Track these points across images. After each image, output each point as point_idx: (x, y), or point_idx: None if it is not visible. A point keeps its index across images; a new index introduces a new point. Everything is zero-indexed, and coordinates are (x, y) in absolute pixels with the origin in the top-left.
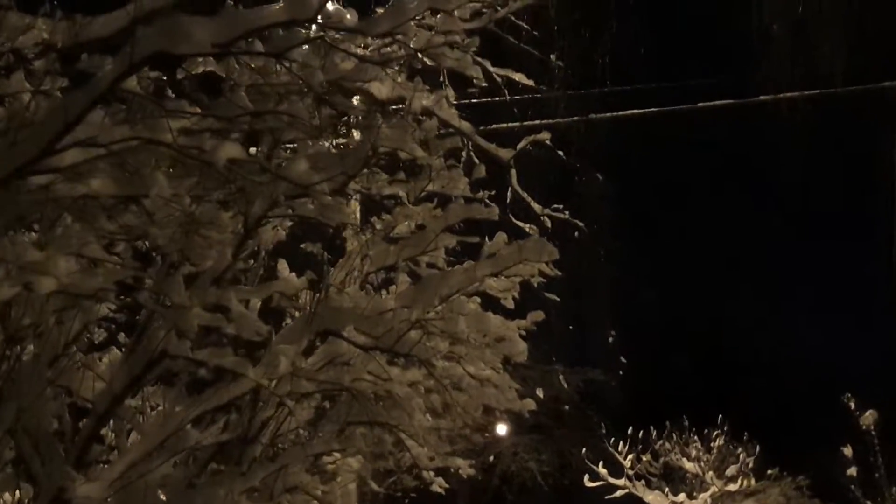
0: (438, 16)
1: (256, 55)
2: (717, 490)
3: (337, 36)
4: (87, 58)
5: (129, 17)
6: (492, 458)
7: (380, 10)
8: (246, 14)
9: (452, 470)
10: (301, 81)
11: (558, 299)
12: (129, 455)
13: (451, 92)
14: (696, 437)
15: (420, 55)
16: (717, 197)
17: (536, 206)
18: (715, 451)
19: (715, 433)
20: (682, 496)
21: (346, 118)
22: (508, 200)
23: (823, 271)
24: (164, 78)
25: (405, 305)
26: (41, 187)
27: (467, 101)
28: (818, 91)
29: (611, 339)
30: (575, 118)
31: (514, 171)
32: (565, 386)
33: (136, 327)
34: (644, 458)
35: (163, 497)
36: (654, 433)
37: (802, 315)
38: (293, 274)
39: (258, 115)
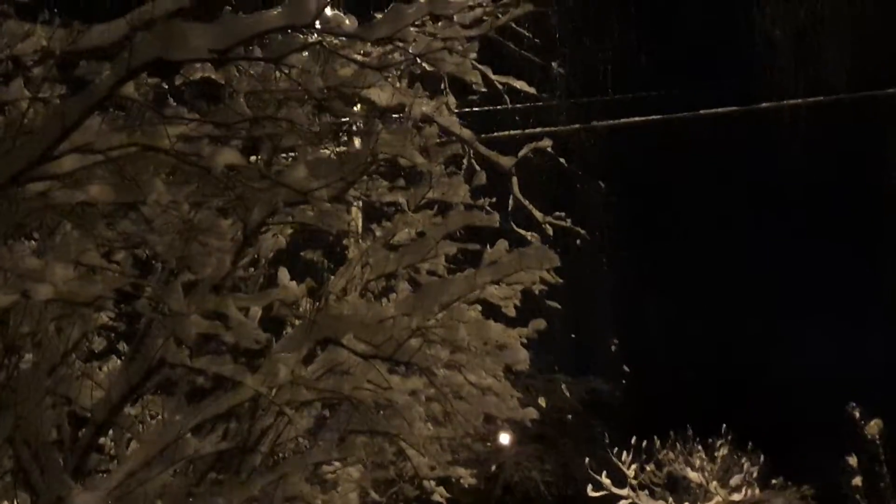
0: (440, 23)
1: (254, 61)
2: (721, 500)
3: (336, 41)
4: (86, 64)
5: (128, 26)
6: (494, 467)
7: (379, 16)
8: (244, 20)
9: (454, 479)
10: (300, 88)
11: (560, 307)
12: (128, 464)
13: (451, 99)
14: (699, 447)
15: (419, 60)
16: (720, 205)
17: (538, 214)
18: (719, 460)
19: (719, 442)
20: None
21: (345, 125)
22: (510, 208)
23: (828, 279)
24: (166, 86)
25: (405, 313)
26: (39, 194)
27: (469, 108)
28: (821, 98)
29: (613, 348)
30: (577, 126)
31: (515, 179)
32: (568, 395)
33: (136, 336)
34: (647, 468)
35: None
36: (658, 442)
37: (807, 324)
38: (293, 282)
39: (257, 122)
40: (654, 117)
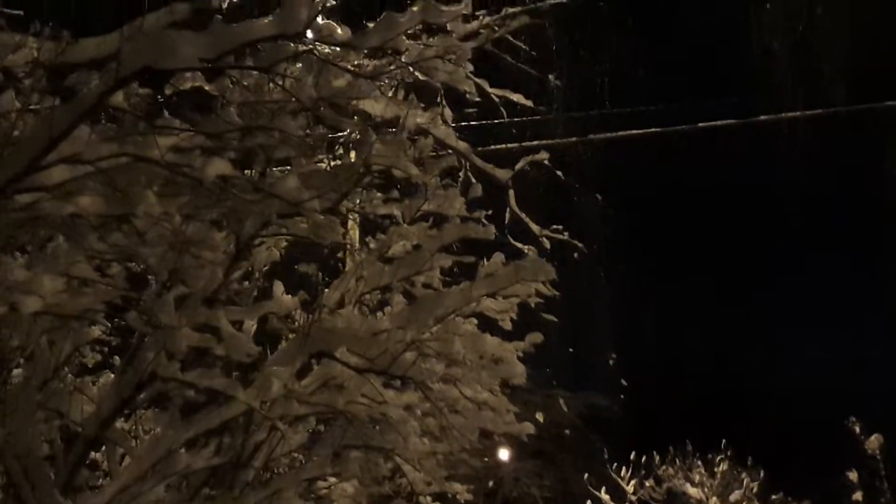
0: (436, 37)
1: (245, 69)
2: None
3: (328, 50)
4: (75, 74)
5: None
6: (492, 483)
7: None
8: (234, 29)
9: (450, 495)
10: (293, 98)
11: (557, 321)
12: (119, 480)
13: (448, 112)
14: (699, 462)
15: (412, 69)
16: (719, 218)
17: (535, 227)
18: (719, 475)
19: (719, 458)
20: None
21: (340, 137)
22: (506, 221)
23: (828, 293)
24: (160, 98)
25: (400, 326)
26: (27, 206)
27: (465, 122)
28: (820, 111)
29: (611, 362)
30: (574, 139)
31: (512, 192)
32: (566, 410)
33: (129, 350)
34: (647, 484)
35: None
36: (657, 458)
37: (806, 337)
38: (287, 295)
39: (249, 132)
40: (652, 130)
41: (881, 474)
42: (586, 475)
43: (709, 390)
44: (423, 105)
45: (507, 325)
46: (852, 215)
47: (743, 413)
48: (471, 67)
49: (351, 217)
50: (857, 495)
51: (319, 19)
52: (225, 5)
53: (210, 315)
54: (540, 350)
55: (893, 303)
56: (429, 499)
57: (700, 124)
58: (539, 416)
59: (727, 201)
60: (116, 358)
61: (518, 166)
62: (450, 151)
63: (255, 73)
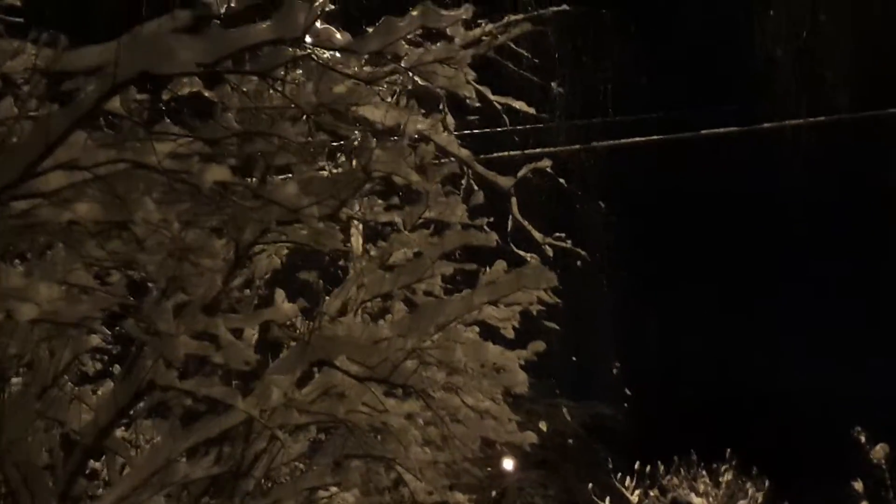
0: (438, 43)
1: (242, 74)
2: None
3: (327, 56)
4: (74, 80)
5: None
6: (494, 493)
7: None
8: (232, 34)
9: None
10: (293, 105)
11: (561, 329)
12: (118, 489)
13: (450, 119)
14: (704, 472)
15: (411, 73)
16: (722, 226)
17: (537, 235)
18: (724, 485)
19: (723, 467)
20: None
21: (341, 143)
22: (509, 229)
23: (832, 300)
24: (161, 105)
25: (401, 334)
26: (23, 212)
27: (468, 130)
28: (823, 118)
29: (615, 371)
30: (577, 146)
31: (514, 200)
32: (569, 419)
33: (128, 358)
34: (651, 493)
35: None
36: (662, 467)
37: (811, 346)
38: (286, 302)
39: (247, 138)
40: (654, 137)
41: (887, 484)
42: (590, 485)
43: (713, 399)
44: (423, 112)
45: (510, 334)
46: (856, 222)
47: (748, 422)
48: (473, 74)
49: (354, 224)
50: None
51: (318, 24)
52: (223, 10)
53: (209, 323)
54: (543, 359)
55: None
56: None
57: (703, 132)
58: (542, 426)
59: (730, 209)
60: (117, 366)
61: (520, 174)
62: (452, 159)
63: (254, 79)
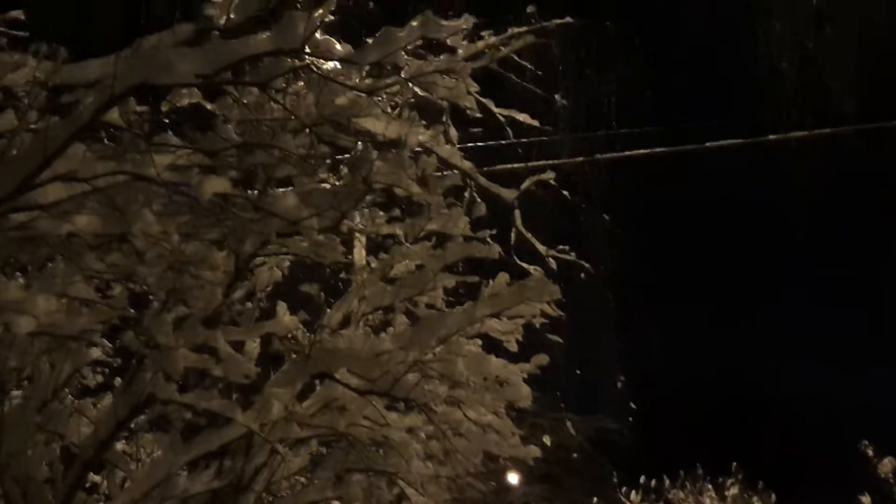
0: (442, 56)
1: (240, 84)
2: None
3: (328, 67)
4: (74, 93)
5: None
6: None
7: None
8: (231, 45)
9: None
10: (293, 116)
11: (565, 342)
12: (117, 503)
13: (453, 131)
14: (710, 486)
15: (411, 84)
16: (727, 238)
17: (541, 247)
18: (729, 499)
19: (729, 481)
20: None
21: (342, 155)
22: (513, 241)
23: (838, 312)
24: (163, 117)
25: (402, 347)
26: (23, 224)
27: (471, 142)
28: (829, 129)
29: (619, 385)
30: (580, 158)
31: (518, 212)
32: (573, 434)
33: (129, 371)
34: None
35: None
36: (667, 481)
37: (817, 358)
38: (287, 315)
39: (246, 149)
40: (659, 150)
41: (895, 498)
42: (595, 499)
43: (719, 412)
44: (425, 123)
45: (513, 347)
46: (862, 233)
47: (754, 436)
48: (476, 87)
49: (357, 237)
50: None
51: (318, 35)
52: (223, 22)
53: (208, 335)
54: (548, 372)
55: None
56: None
57: (707, 143)
58: (546, 440)
59: (735, 221)
60: (118, 379)
61: (524, 186)
62: (454, 171)
63: (254, 91)
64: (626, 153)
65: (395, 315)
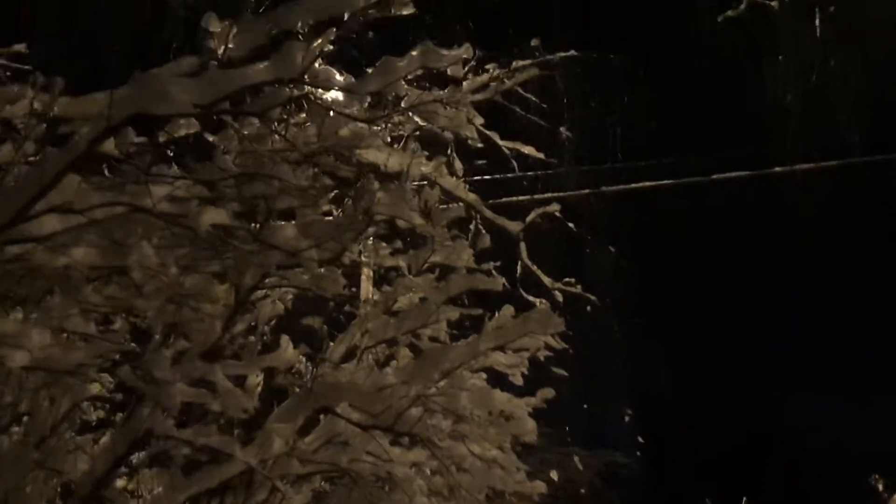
0: (447, 89)
1: (237, 114)
2: None
3: (327, 97)
4: (70, 124)
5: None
6: None
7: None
8: (229, 74)
9: None
10: (293, 147)
11: (567, 374)
12: None
13: (458, 164)
14: None
15: (411, 114)
16: (734, 270)
17: (547, 280)
18: None
19: None
20: None
21: (341, 187)
22: (518, 274)
23: (846, 346)
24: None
25: (404, 381)
26: (17, 257)
27: (478, 176)
28: (835, 161)
29: (627, 419)
30: (586, 191)
31: (523, 245)
32: (581, 468)
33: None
34: None
35: None
36: None
37: (827, 393)
38: (288, 349)
39: (245, 180)
40: (665, 182)
41: None
42: None
43: (728, 446)
44: (427, 154)
45: (518, 380)
46: (869, 266)
47: (763, 469)
48: (480, 119)
49: (364, 271)
50: None
51: (317, 64)
52: (220, 53)
53: (206, 369)
54: (555, 406)
55: None
56: None
57: (713, 176)
58: (553, 475)
59: (741, 253)
60: (120, 415)
61: (529, 218)
62: (459, 203)
63: (255, 122)
64: (632, 185)
65: (399, 348)
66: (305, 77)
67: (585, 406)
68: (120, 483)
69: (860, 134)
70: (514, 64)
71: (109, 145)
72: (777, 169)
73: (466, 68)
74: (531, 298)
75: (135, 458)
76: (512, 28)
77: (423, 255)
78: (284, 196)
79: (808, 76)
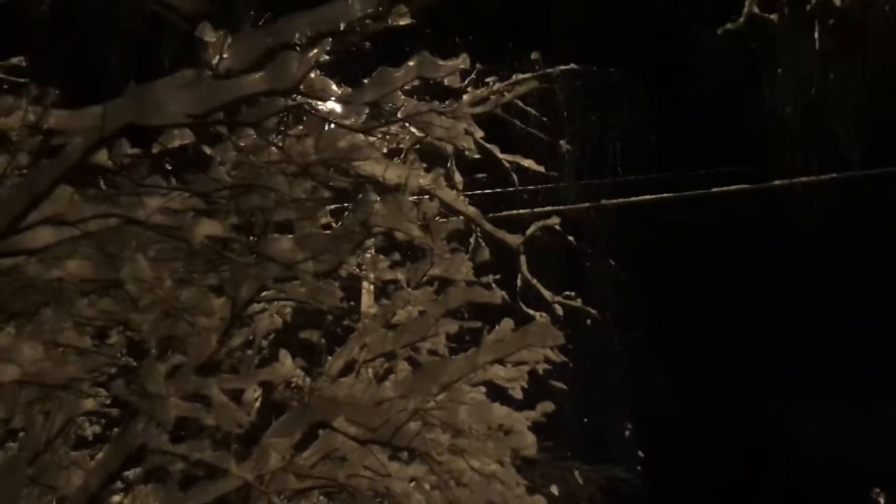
0: (446, 101)
1: (231, 125)
2: None
3: (323, 107)
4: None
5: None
6: None
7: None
8: (223, 85)
9: None
10: (288, 158)
11: (566, 388)
12: None
13: (458, 177)
14: None
15: (407, 124)
16: (734, 284)
17: (547, 293)
18: None
19: None
20: None
21: (338, 199)
22: (518, 287)
23: (846, 359)
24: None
25: (402, 395)
26: (10, 269)
27: (478, 190)
28: (835, 175)
29: (627, 433)
30: (586, 204)
31: (523, 258)
32: (581, 483)
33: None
34: None
35: None
36: None
37: (828, 405)
38: (286, 363)
39: (240, 191)
40: (665, 195)
41: None
42: None
43: (729, 460)
44: (426, 166)
45: (518, 394)
46: (870, 279)
47: (764, 483)
48: (480, 132)
49: (364, 284)
50: None
51: (313, 75)
52: (215, 63)
53: (201, 383)
54: (556, 420)
55: None
56: None
57: (713, 189)
58: (554, 489)
59: (742, 266)
60: (116, 430)
61: (529, 231)
62: (459, 216)
63: (252, 133)
64: (632, 199)
65: (397, 362)
66: (301, 87)
67: (586, 420)
68: (115, 499)
69: (860, 147)
70: (514, 77)
71: (103, 156)
72: (777, 182)
73: (466, 81)
74: (531, 312)
75: (130, 473)
76: (512, 41)
77: (422, 268)
78: (281, 208)
79: (808, 89)
